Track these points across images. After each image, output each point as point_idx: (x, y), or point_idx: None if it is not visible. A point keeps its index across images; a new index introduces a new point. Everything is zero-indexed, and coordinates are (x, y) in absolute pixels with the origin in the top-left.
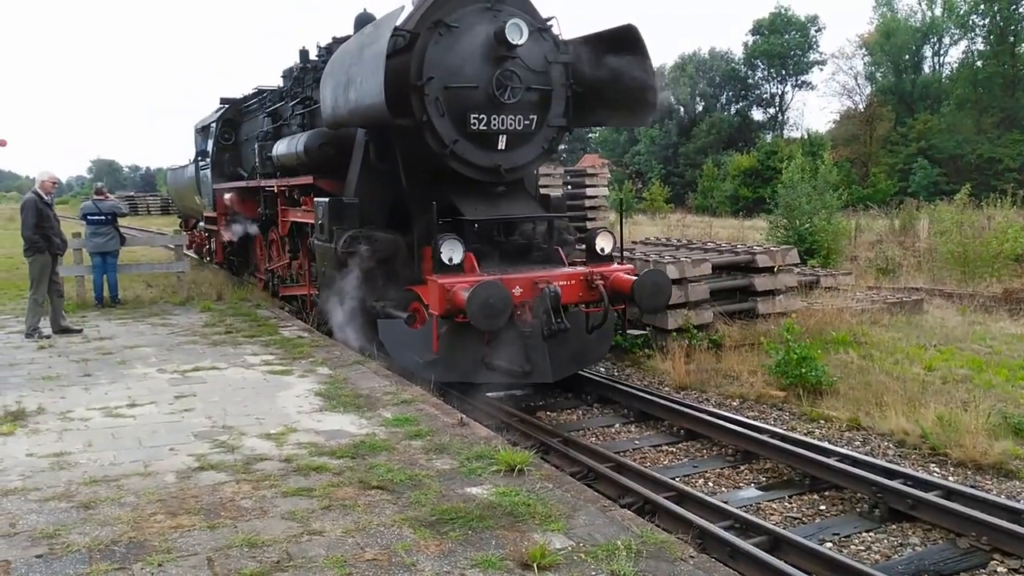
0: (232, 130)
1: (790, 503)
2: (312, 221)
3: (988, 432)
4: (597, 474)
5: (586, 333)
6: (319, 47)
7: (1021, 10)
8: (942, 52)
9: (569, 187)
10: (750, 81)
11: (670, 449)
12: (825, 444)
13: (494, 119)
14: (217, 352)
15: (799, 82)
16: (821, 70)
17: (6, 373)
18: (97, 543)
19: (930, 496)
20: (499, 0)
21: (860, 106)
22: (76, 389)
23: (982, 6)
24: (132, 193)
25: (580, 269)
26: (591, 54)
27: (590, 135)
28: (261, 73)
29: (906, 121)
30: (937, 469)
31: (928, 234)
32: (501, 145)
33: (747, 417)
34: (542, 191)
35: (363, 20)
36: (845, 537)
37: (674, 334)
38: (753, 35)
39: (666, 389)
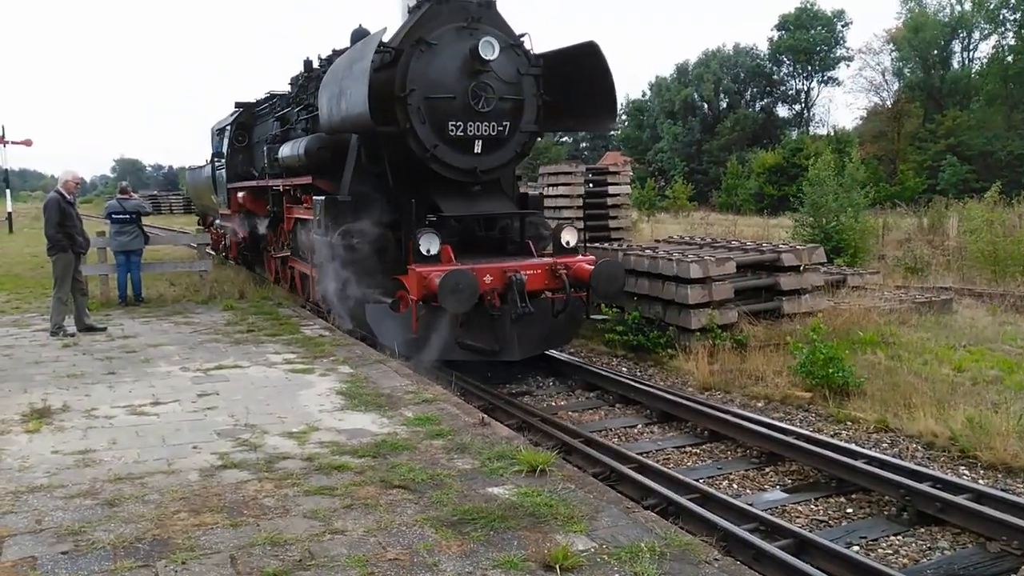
0: (245, 132)
1: (816, 505)
2: (311, 217)
3: (1019, 434)
4: (619, 475)
5: (552, 317)
6: (320, 58)
7: None
8: (971, 47)
9: (591, 185)
10: (775, 77)
11: (693, 450)
12: (852, 446)
13: (470, 126)
14: (239, 350)
15: (825, 78)
16: (848, 66)
17: (32, 371)
18: (122, 540)
19: (960, 499)
20: (475, 20)
21: (887, 102)
22: (100, 387)
23: (1013, 0)
24: (155, 192)
25: (546, 260)
26: (560, 67)
27: (612, 132)
28: (272, 75)
29: (935, 117)
30: (967, 472)
31: (957, 232)
32: (477, 149)
33: (772, 418)
34: (536, 190)
35: (358, 35)
36: (872, 540)
37: (698, 334)
38: (778, 30)
39: (690, 390)
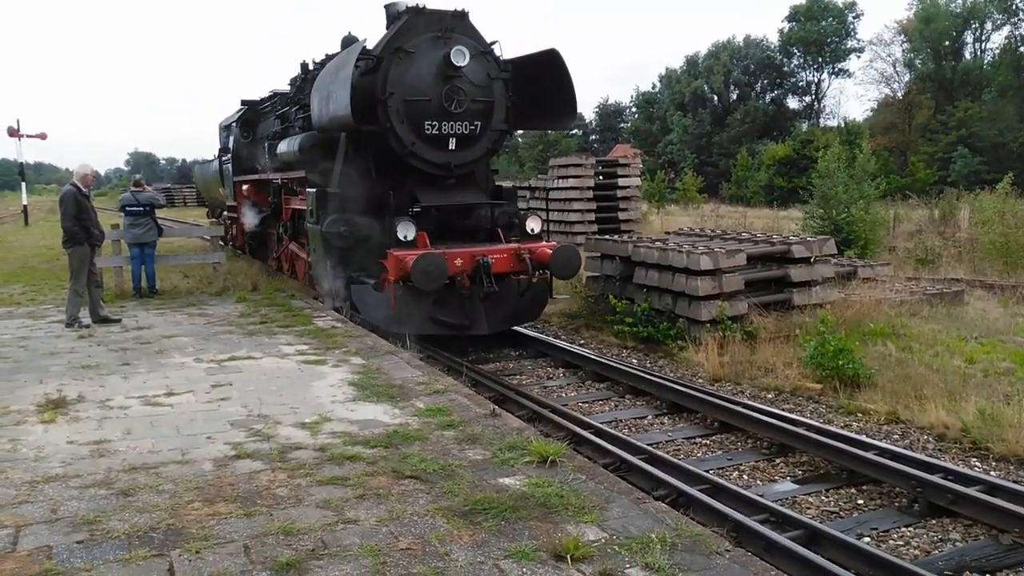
0: (250, 129)
1: (827, 497)
2: (304, 207)
3: None
4: (630, 466)
5: (518, 297)
6: (314, 62)
7: None
8: (984, 38)
9: (600, 177)
10: (785, 69)
11: (704, 441)
12: (863, 437)
13: (445, 125)
14: (252, 342)
15: (836, 70)
16: (858, 57)
17: (47, 362)
18: (136, 529)
19: (971, 491)
20: (449, 30)
21: (898, 94)
22: (115, 378)
23: None
24: (169, 185)
25: (512, 245)
26: (526, 72)
27: (622, 125)
28: (275, 73)
29: (946, 109)
30: (978, 464)
31: (969, 224)
32: (451, 146)
33: (782, 410)
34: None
35: (347, 41)
36: (884, 532)
37: (708, 325)
38: (789, 22)
39: (700, 381)
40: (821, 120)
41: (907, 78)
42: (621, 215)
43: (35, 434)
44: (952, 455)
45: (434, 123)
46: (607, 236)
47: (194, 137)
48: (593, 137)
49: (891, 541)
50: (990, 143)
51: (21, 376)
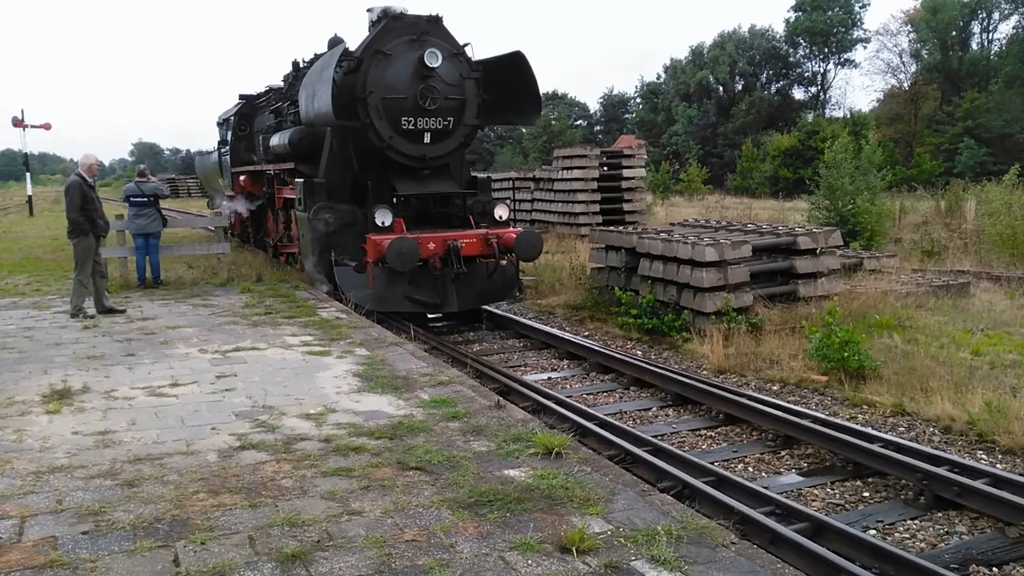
0: (247, 122)
1: (832, 489)
2: (294, 196)
3: None
4: (635, 458)
5: (487, 278)
6: (304, 60)
7: None
8: (991, 28)
9: (605, 168)
10: (791, 59)
11: (709, 433)
12: (868, 430)
13: (420, 121)
14: (257, 333)
15: (842, 60)
16: (865, 48)
17: (52, 352)
18: (141, 520)
19: (978, 484)
20: (423, 33)
21: (905, 84)
22: (120, 368)
23: None
24: (173, 175)
25: (481, 231)
26: (496, 71)
27: (627, 116)
28: (272, 67)
29: (952, 100)
30: (984, 456)
31: (975, 215)
32: (427, 140)
33: (788, 402)
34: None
35: (334, 42)
36: (889, 524)
37: (713, 317)
38: (795, 11)
39: (704, 373)
40: (827, 111)
41: (913, 69)
42: (626, 206)
43: (40, 424)
44: (958, 448)
45: (410, 119)
46: (612, 227)
47: (200, 126)
48: (598, 128)
49: (897, 534)
50: (997, 134)
51: (26, 367)
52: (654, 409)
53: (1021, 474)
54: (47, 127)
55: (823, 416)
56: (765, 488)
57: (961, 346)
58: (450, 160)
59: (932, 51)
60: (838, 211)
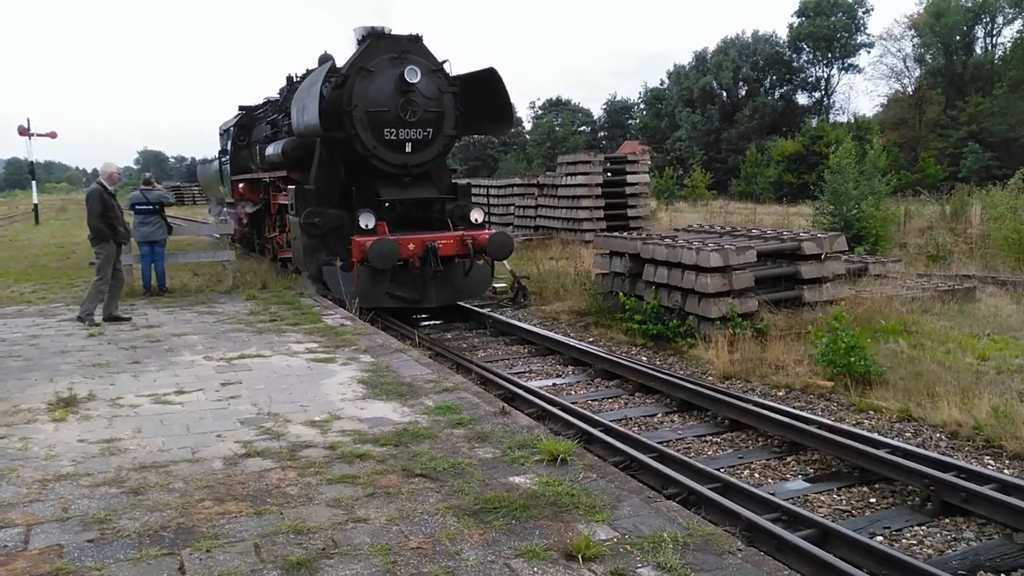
0: (246, 133)
1: (839, 495)
2: (287, 202)
3: None
4: (640, 464)
5: (463, 276)
6: (297, 75)
7: None
8: (995, 32)
9: (609, 174)
10: (795, 64)
11: (714, 439)
12: (875, 435)
13: (401, 131)
14: (262, 340)
15: (846, 65)
16: (868, 52)
17: (58, 360)
18: (147, 528)
19: (985, 489)
20: (405, 52)
21: (909, 89)
22: (125, 376)
23: None
24: (178, 183)
25: (457, 232)
26: (472, 86)
27: (630, 121)
28: (270, 78)
29: (956, 104)
30: (992, 462)
31: (980, 220)
32: (408, 149)
33: (793, 407)
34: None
35: (324, 58)
36: (896, 531)
37: (718, 323)
38: (798, 17)
39: (710, 379)
40: (831, 116)
41: (917, 73)
42: (630, 212)
43: (46, 432)
44: (965, 453)
45: (392, 130)
46: (616, 233)
47: (207, 134)
48: (601, 134)
49: (904, 540)
50: (1001, 138)
51: (32, 374)
52: (659, 415)
53: None
54: (53, 135)
55: (829, 422)
56: (771, 494)
57: (967, 351)
58: (431, 168)
59: (936, 55)
60: (843, 216)
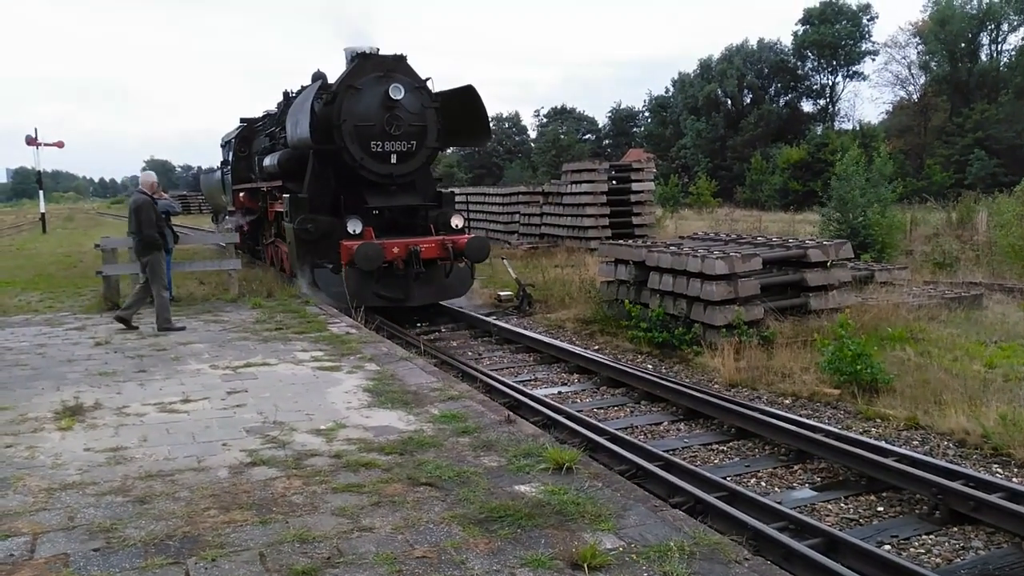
0: (246, 144)
1: (846, 504)
2: (283, 210)
3: None
4: (646, 472)
5: (444, 277)
6: (293, 91)
7: None
8: (1000, 39)
9: (614, 182)
10: (800, 72)
11: (720, 448)
12: (882, 443)
13: (387, 144)
14: (268, 348)
15: (850, 72)
16: (873, 60)
17: (64, 369)
18: (152, 537)
19: (993, 498)
20: (390, 70)
21: (914, 96)
22: (131, 385)
23: None
24: (184, 192)
25: (438, 237)
26: (452, 101)
27: (635, 129)
28: (268, 94)
29: (962, 111)
30: (1000, 470)
31: (987, 227)
32: (393, 160)
33: (800, 415)
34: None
35: (317, 76)
36: (904, 539)
37: (724, 330)
38: (803, 24)
39: (716, 386)
40: (836, 123)
41: (922, 80)
42: (635, 220)
43: (52, 441)
44: (973, 461)
45: (378, 143)
46: (621, 241)
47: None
48: (606, 142)
49: (912, 549)
50: (1007, 145)
51: (39, 383)
52: (665, 423)
53: None
54: (60, 145)
55: (836, 430)
56: (778, 503)
57: (974, 359)
58: (415, 177)
59: (941, 63)
60: (849, 223)
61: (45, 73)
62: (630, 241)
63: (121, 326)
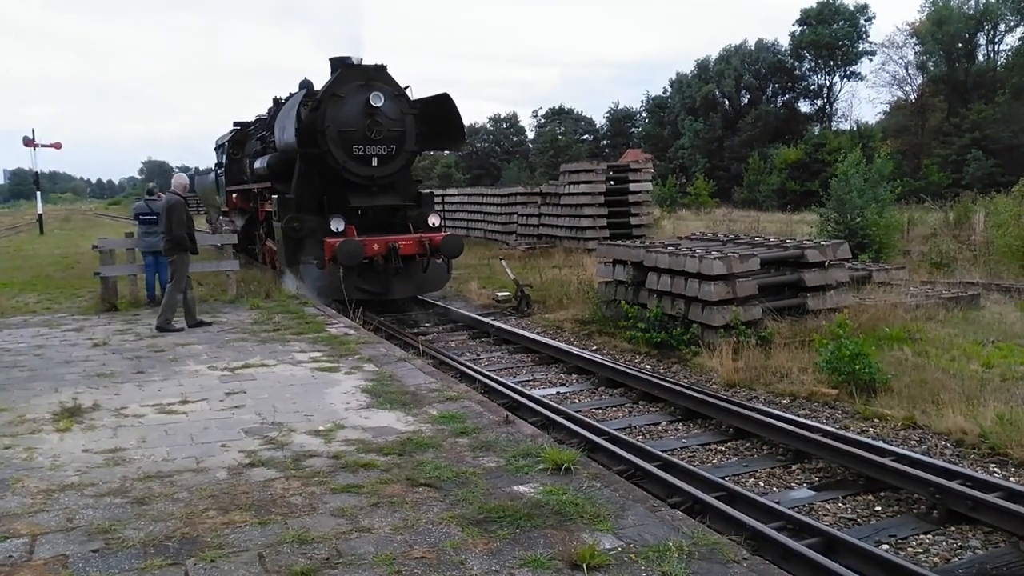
0: (239, 148)
1: (844, 504)
2: (272, 210)
3: None
4: (645, 473)
5: (422, 272)
6: (282, 98)
7: None
8: (997, 39)
9: (612, 182)
10: (797, 72)
11: (719, 448)
12: (880, 443)
13: (368, 148)
14: (266, 349)
15: (848, 73)
16: (870, 60)
17: (63, 370)
18: (151, 538)
19: (991, 497)
20: (371, 79)
21: (911, 97)
22: (130, 386)
23: None
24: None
25: (416, 235)
26: (429, 108)
27: (633, 130)
28: (261, 97)
29: (959, 111)
30: (997, 470)
31: (984, 227)
32: (374, 163)
33: (798, 415)
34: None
35: (304, 84)
36: (902, 539)
37: (722, 331)
38: (800, 25)
39: (714, 387)
40: (833, 123)
41: (920, 81)
42: (633, 220)
43: (51, 443)
44: (970, 461)
45: (360, 147)
46: (619, 241)
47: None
48: (604, 142)
49: (910, 548)
50: (1004, 145)
51: (37, 385)
52: (664, 424)
53: None
54: (58, 146)
55: (834, 430)
56: (776, 503)
57: (972, 358)
58: (396, 179)
59: (938, 63)
60: (847, 224)
61: (43, 74)
62: (628, 241)
63: (197, 327)
